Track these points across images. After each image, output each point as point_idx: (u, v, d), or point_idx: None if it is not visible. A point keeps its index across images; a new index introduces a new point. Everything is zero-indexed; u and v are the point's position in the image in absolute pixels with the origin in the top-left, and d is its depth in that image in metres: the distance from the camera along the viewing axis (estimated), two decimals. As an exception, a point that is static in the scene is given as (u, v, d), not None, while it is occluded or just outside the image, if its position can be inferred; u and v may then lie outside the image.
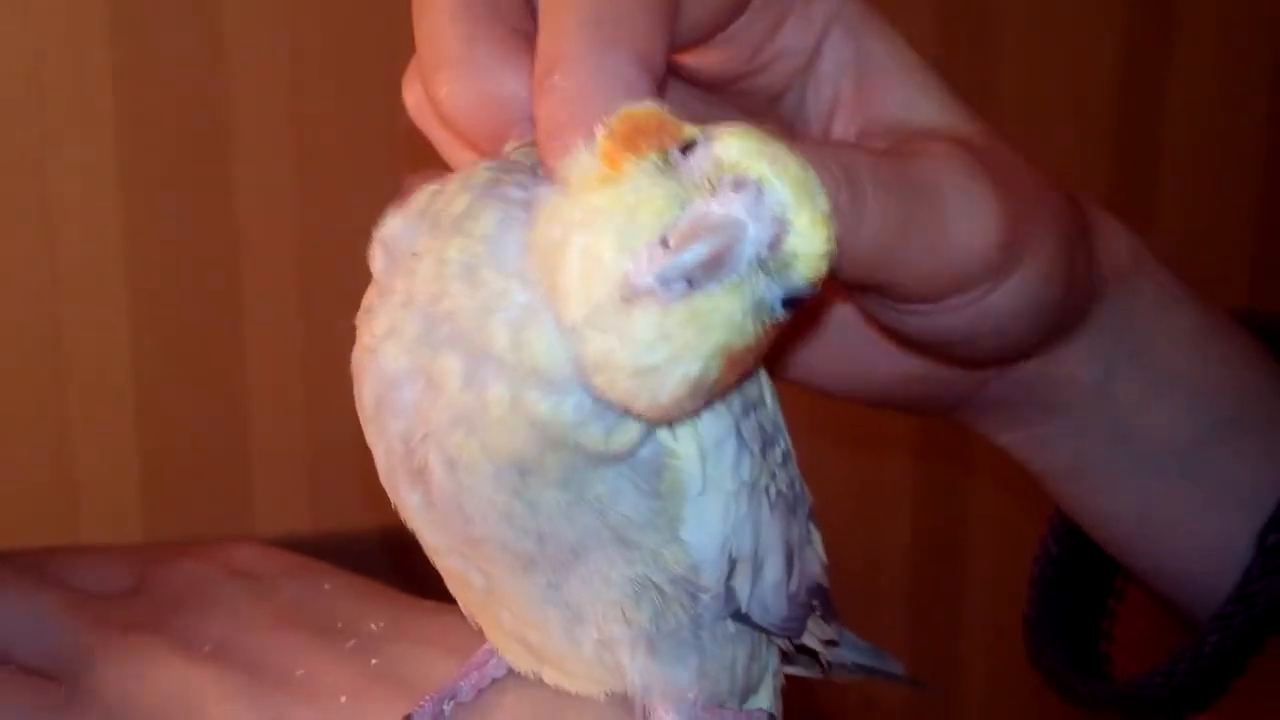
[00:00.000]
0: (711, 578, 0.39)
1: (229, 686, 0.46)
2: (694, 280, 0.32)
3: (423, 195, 0.39)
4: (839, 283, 0.45)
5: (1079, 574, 0.61)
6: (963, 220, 0.44)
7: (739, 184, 0.33)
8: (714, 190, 0.33)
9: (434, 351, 0.36)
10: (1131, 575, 0.60)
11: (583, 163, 0.35)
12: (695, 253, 0.32)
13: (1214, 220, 1.28)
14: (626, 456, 0.37)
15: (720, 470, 0.38)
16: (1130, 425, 0.54)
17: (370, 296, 0.39)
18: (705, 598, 0.40)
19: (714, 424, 0.38)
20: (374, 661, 0.47)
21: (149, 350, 1.05)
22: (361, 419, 0.40)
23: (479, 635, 0.44)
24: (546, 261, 0.34)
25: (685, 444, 0.38)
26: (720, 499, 0.39)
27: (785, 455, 0.42)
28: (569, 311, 0.34)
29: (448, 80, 0.39)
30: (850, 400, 0.54)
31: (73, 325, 1.02)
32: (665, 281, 0.32)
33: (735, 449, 0.39)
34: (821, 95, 0.48)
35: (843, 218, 0.39)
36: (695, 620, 0.40)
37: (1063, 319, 0.50)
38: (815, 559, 0.45)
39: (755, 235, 0.33)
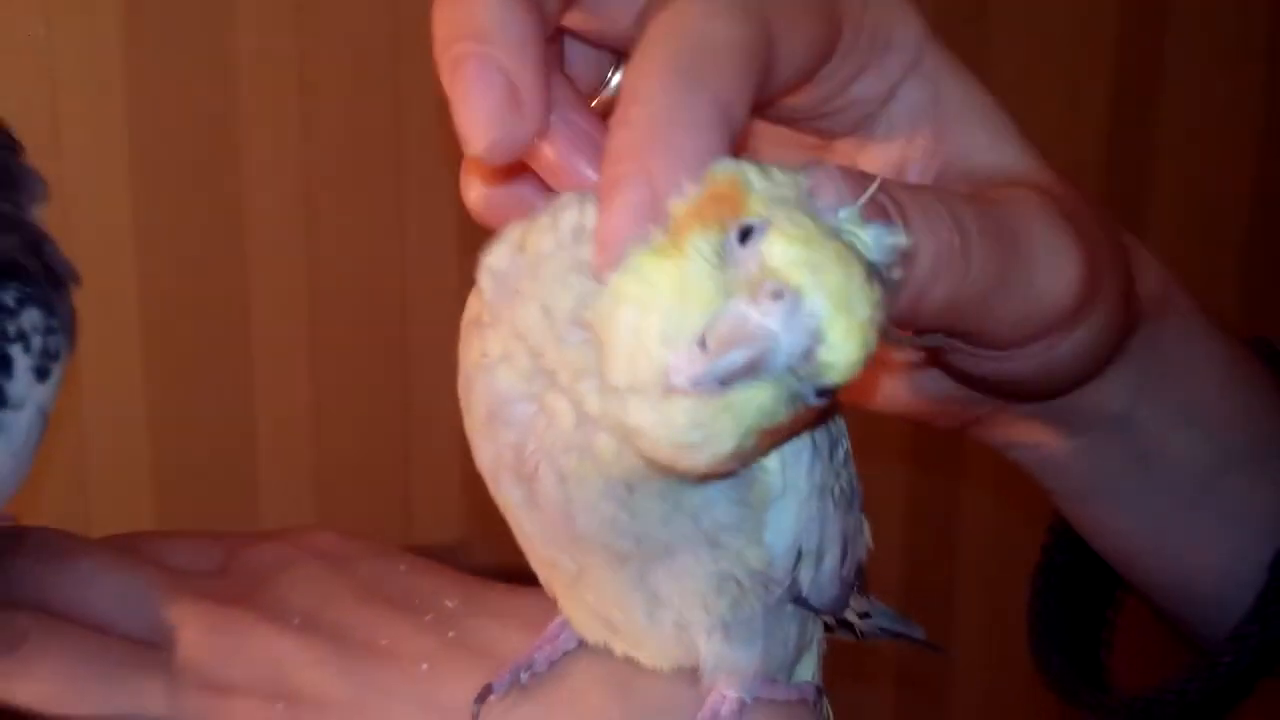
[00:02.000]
0: (782, 571, 0.43)
1: (318, 654, 0.50)
2: (727, 382, 0.35)
3: (516, 229, 0.42)
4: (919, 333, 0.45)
5: (1080, 583, 0.63)
6: (1050, 269, 0.45)
7: (778, 293, 0.34)
8: (756, 293, 0.34)
9: (545, 388, 0.40)
10: (1133, 589, 0.61)
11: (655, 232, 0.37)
12: (729, 361, 0.34)
13: (1208, 215, 1.28)
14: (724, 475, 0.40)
15: (797, 476, 0.42)
16: (1149, 451, 0.55)
17: (476, 307, 0.43)
18: (776, 588, 0.44)
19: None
20: (452, 634, 0.50)
21: (159, 354, 1.06)
22: (466, 418, 0.43)
23: (550, 610, 0.48)
24: (601, 320, 0.37)
25: (770, 455, 0.41)
26: (795, 502, 0.42)
27: (846, 455, 0.45)
28: (613, 375, 0.36)
29: (465, 43, 0.39)
30: (867, 409, 0.54)
31: (85, 329, 1.03)
32: (699, 385, 0.35)
33: (810, 457, 0.42)
34: (893, 137, 0.48)
35: (952, 263, 0.41)
36: (765, 607, 0.44)
37: (1109, 361, 0.51)
38: (864, 545, 0.48)
39: (788, 346, 0.34)
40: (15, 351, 0.54)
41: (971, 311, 0.43)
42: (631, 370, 0.36)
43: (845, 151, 0.49)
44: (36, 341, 0.55)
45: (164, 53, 1.01)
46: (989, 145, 0.48)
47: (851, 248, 0.36)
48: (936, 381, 0.52)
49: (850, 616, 0.50)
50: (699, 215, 0.36)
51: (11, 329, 0.54)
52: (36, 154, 0.97)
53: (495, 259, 0.42)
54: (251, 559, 0.55)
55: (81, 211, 1.01)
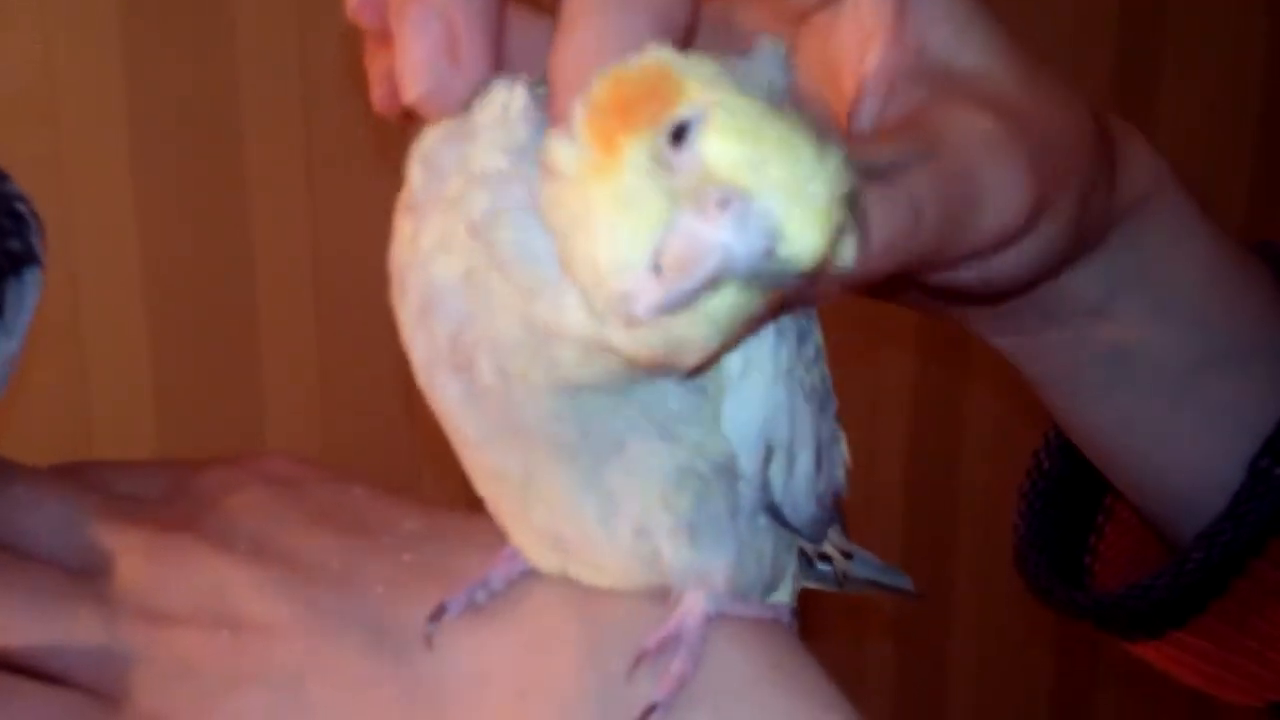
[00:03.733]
0: (749, 462, 0.41)
1: (265, 579, 0.48)
2: (689, 303, 0.33)
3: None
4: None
5: (1070, 488, 0.62)
6: (996, 203, 0.43)
7: (724, 200, 0.32)
8: (700, 203, 0.32)
9: (484, 293, 0.37)
10: (1117, 490, 0.60)
11: (572, 139, 0.35)
12: (684, 285, 0.32)
13: (1208, 191, 1.28)
14: None
15: (760, 353, 0.40)
16: (1128, 345, 0.54)
17: (408, 195, 0.40)
18: (743, 485, 0.41)
19: None
20: (408, 557, 0.48)
21: (167, 351, 1.04)
22: (400, 313, 0.41)
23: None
24: (559, 247, 0.35)
25: None
26: (761, 381, 0.40)
27: (817, 351, 0.43)
28: (589, 300, 0.35)
29: None
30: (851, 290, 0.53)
31: (92, 331, 1.02)
32: (660, 312, 0.33)
33: (774, 334, 0.40)
34: (859, 20, 0.47)
35: (905, 242, 0.40)
36: (734, 509, 0.41)
37: (1068, 260, 0.50)
38: (840, 461, 0.46)
39: (744, 254, 0.32)
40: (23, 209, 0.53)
41: (913, 265, 0.42)
42: (594, 294, 0.34)
43: (819, 28, 0.47)
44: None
45: (164, 28, 0.98)
46: (954, 37, 0.46)
47: (796, 120, 0.33)
48: None
49: (829, 549, 0.47)
50: (626, 117, 0.34)
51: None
52: (34, 128, 0.96)
53: (425, 143, 0.40)
54: (198, 485, 0.53)
55: (82, 196, 0.99)
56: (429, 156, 0.40)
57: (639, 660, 0.42)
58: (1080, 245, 0.49)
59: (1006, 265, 0.46)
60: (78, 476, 0.54)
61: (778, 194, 0.32)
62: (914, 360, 1.19)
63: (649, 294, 0.33)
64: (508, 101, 0.38)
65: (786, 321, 0.40)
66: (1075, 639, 1.30)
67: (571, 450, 0.40)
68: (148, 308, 1.03)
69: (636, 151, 0.33)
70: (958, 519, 1.28)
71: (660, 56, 0.35)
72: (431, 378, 0.40)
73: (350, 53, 1.00)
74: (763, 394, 0.40)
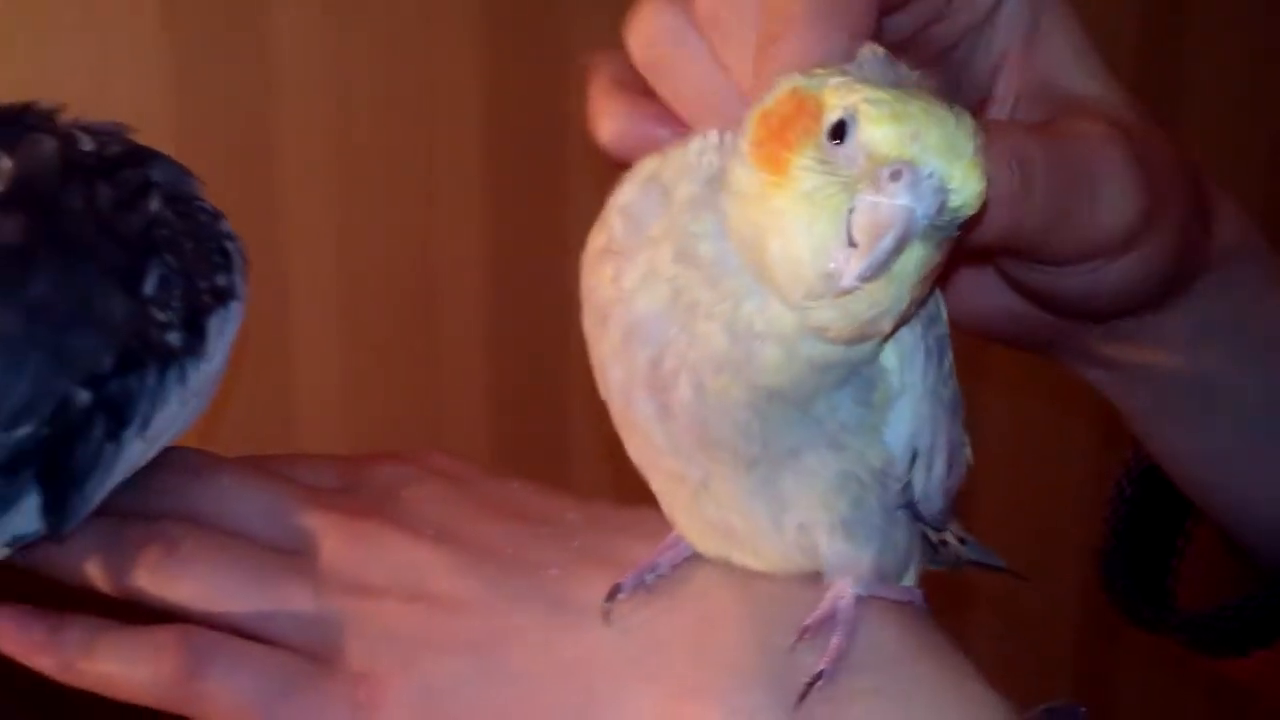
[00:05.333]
0: (901, 468, 0.47)
1: (455, 561, 0.53)
2: (887, 264, 0.39)
3: (650, 163, 0.46)
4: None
5: (1151, 511, 0.66)
6: (1110, 205, 0.48)
7: (896, 173, 0.38)
8: (875, 182, 0.39)
9: (689, 314, 0.43)
10: (1203, 515, 0.64)
11: (741, 169, 0.41)
12: (881, 249, 0.38)
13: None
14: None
15: (913, 375, 0.46)
16: (1215, 384, 0.58)
17: (602, 240, 0.46)
18: (894, 486, 0.47)
19: (908, 335, 0.46)
20: (576, 543, 0.53)
21: None
22: (596, 349, 0.47)
23: (666, 525, 0.51)
24: (752, 259, 0.41)
25: (889, 355, 0.45)
26: (912, 400, 0.46)
27: (951, 367, 0.49)
28: (788, 297, 0.41)
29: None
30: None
31: None
32: (865, 277, 0.39)
33: (924, 357, 0.46)
34: (991, 51, 0.52)
35: (1012, 202, 0.45)
36: (882, 507, 0.47)
37: (1170, 289, 0.54)
38: (964, 460, 0.52)
39: (924, 211, 0.39)
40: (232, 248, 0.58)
41: (1028, 240, 0.47)
42: (797, 285, 0.40)
43: (958, 63, 0.52)
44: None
45: (208, 45, 1.02)
46: (1074, 67, 0.51)
47: (928, 95, 0.40)
48: (1003, 295, 0.55)
49: (949, 537, 0.53)
50: (783, 140, 0.40)
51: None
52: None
53: (624, 197, 0.46)
54: (375, 477, 0.58)
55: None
56: (628, 207, 0.46)
57: (801, 635, 0.47)
58: (1178, 278, 0.53)
59: (1111, 278, 0.50)
60: (268, 468, 0.59)
61: (938, 157, 0.39)
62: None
63: (852, 266, 0.39)
64: (701, 145, 0.45)
65: (932, 342, 0.47)
66: (1094, 635, 1.33)
67: (751, 460, 0.45)
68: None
69: (805, 160, 0.40)
70: (975, 511, 1.32)
71: (791, 84, 0.41)
72: (629, 399, 0.46)
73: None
74: (913, 410, 0.46)
